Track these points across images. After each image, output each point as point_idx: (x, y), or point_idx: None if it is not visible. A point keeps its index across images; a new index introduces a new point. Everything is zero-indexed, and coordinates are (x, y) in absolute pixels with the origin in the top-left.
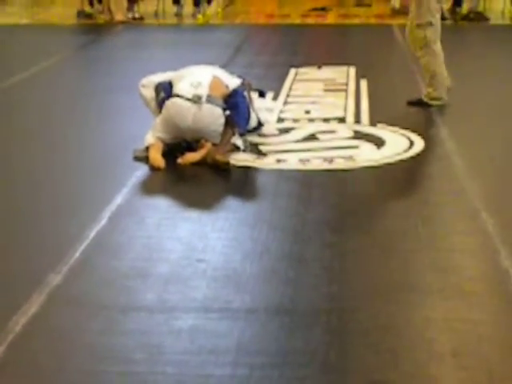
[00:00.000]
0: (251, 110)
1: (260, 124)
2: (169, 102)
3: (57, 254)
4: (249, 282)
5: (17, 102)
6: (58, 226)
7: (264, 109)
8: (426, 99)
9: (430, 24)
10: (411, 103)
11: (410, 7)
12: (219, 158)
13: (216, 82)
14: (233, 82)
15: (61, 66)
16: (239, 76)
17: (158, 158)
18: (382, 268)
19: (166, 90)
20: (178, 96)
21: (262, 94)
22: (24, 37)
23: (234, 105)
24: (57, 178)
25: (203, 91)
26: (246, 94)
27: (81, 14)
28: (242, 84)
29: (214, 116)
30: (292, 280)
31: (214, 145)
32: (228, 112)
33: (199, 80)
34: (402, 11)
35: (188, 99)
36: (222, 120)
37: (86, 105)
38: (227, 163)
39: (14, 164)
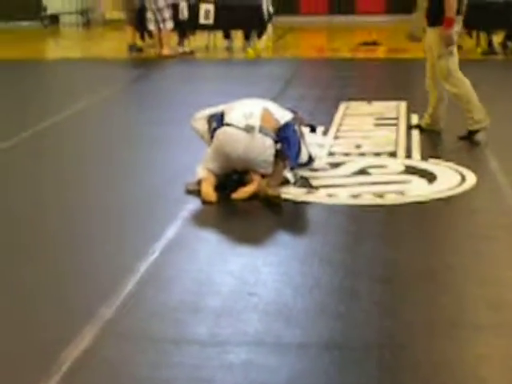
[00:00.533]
0: (302, 145)
1: (311, 159)
2: (220, 131)
3: (108, 286)
4: (299, 316)
5: (70, 133)
6: (109, 257)
7: (315, 144)
8: (470, 128)
9: (451, 53)
10: (462, 138)
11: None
12: (271, 192)
13: (267, 114)
14: (284, 115)
15: (112, 99)
16: (291, 110)
17: (210, 192)
18: (434, 303)
19: (217, 121)
20: (229, 125)
21: (313, 129)
22: (76, 70)
23: (285, 138)
24: (109, 208)
25: (255, 122)
26: (296, 127)
27: (132, 47)
28: (294, 118)
29: (265, 146)
30: (343, 315)
31: (263, 176)
32: (279, 145)
33: (251, 111)
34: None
35: (240, 128)
36: (273, 151)
37: (137, 136)
38: (278, 197)
39: (66, 193)
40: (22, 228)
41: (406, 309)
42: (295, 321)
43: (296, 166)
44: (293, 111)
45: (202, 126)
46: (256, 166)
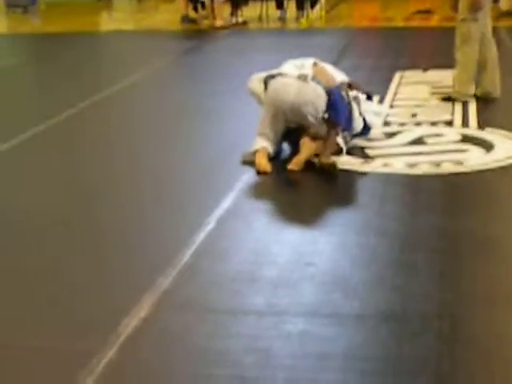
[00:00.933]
0: (356, 112)
1: (366, 127)
2: (273, 81)
3: (166, 257)
4: (357, 287)
5: (124, 105)
6: (166, 228)
7: (371, 112)
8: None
9: (475, 20)
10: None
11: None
12: (325, 161)
13: (320, 68)
14: (339, 75)
15: (165, 71)
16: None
17: (264, 163)
18: (493, 274)
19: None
20: (281, 75)
21: (369, 97)
22: (129, 43)
23: (332, 104)
24: (164, 180)
25: (308, 71)
26: (344, 93)
27: (185, 19)
28: (345, 83)
29: (316, 93)
30: (401, 287)
31: (315, 138)
32: (327, 114)
33: (303, 63)
34: (510, 13)
35: (292, 77)
36: (324, 100)
37: (191, 108)
38: (334, 166)
39: (120, 164)
40: (87, 194)
41: (465, 280)
42: (353, 292)
43: (348, 131)
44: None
45: (258, 86)
46: (308, 114)
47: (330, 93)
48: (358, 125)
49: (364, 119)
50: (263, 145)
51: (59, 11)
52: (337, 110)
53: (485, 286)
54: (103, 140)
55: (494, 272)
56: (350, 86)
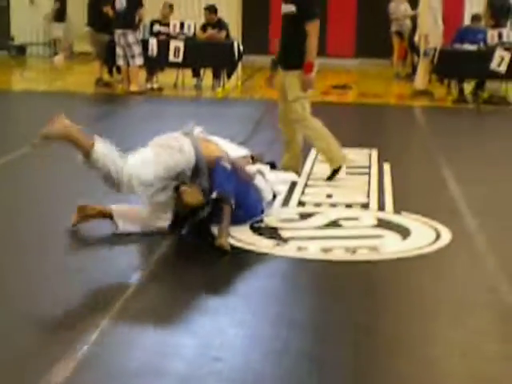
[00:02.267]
0: (263, 184)
1: (275, 196)
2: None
3: (61, 347)
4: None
5: (23, 174)
6: (64, 312)
7: (279, 181)
8: (333, 167)
9: (305, 97)
10: (329, 178)
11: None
12: (220, 243)
13: (205, 139)
14: (236, 149)
15: None
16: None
17: None
18: (407, 375)
19: None
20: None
21: (273, 166)
22: (39, 104)
23: (214, 176)
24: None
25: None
26: (225, 164)
27: (99, 82)
28: (221, 156)
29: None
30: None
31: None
32: (214, 193)
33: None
34: (425, 92)
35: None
36: (188, 160)
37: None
38: (226, 250)
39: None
40: None
41: (380, 377)
42: None
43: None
44: (248, 150)
45: None
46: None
47: (213, 164)
48: (268, 194)
49: (272, 188)
50: None
51: None
52: (219, 181)
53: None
54: None
55: (400, 372)
56: (253, 159)
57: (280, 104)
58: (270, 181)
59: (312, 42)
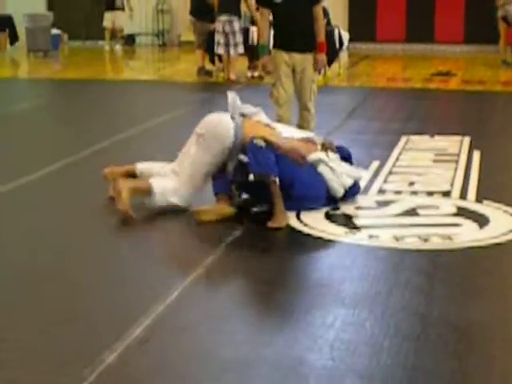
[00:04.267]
0: (330, 176)
1: (354, 188)
2: None
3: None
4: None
5: (125, 155)
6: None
7: (347, 175)
8: None
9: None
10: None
11: None
12: (273, 225)
13: (254, 123)
14: (296, 133)
15: (178, 121)
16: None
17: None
18: (466, 363)
19: None
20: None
21: (345, 159)
22: (144, 92)
23: (249, 158)
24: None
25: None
26: (258, 141)
27: (201, 71)
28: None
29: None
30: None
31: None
32: (251, 175)
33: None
34: None
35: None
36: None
37: None
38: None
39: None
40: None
41: (425, 372)
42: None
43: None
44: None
45: None
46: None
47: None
48: (335, 184)
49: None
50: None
51: (81, 56)
52: (253, 160)
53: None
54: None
55: (466, 360)
56: (323, 147)
57: (286, 88)
58: (338, 171)
59: (322, 24)
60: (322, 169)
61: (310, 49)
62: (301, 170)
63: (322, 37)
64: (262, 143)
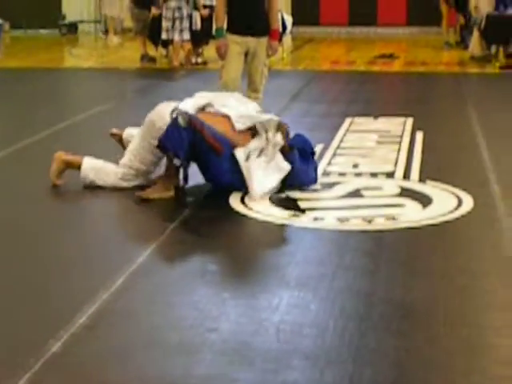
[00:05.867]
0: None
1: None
2: None
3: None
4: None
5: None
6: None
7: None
8: None
9: None
10: None
11: None
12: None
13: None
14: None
15: (114, 111)
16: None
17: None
18: (408, 343)
19: None
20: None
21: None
22: (86, 80)
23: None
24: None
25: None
26: (180, 123)
27: (144, 57)
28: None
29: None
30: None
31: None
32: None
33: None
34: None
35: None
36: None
37: None
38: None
39: (47, 209)
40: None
41: (370, 351)
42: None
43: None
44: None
45: None
46: None
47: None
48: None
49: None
50: None
51: (23, 45)
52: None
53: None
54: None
55: (408, 341)
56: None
57: (236, 71)
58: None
59: (277, 11)
60: (243, 164)
61: (265, 33)
62: (220, 158)
63: (276, 24)
64: (183, 124)
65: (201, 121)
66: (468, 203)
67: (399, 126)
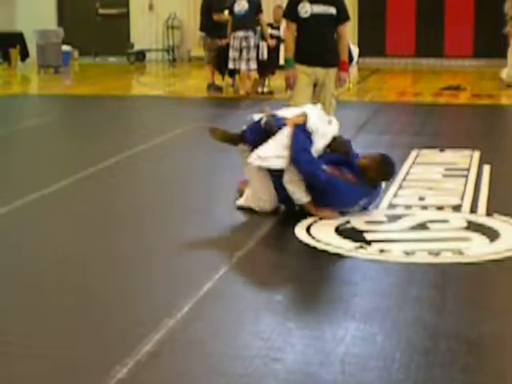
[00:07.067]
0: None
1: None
2: None
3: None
4: None
5: (133, 172)
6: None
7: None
8: None
9: None
10: None
11: None
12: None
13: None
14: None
15: (183, 138)
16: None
17: None
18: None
19: None
20: None
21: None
22: (155, 107)
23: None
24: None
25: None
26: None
27: (211, 86)
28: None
29: None
30: None
31: None
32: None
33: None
34: None
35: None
36: None
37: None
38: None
39: (123, 232)
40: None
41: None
42: None
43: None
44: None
45: None
46: None
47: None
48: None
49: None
50: None
51: (92, 73)
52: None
53: None
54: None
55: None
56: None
57: (304, 101)
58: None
59: (346, 43)
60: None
61: (333, 64)
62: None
63: (345, 55)
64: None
65: None
66: None
67: (466, 158)
